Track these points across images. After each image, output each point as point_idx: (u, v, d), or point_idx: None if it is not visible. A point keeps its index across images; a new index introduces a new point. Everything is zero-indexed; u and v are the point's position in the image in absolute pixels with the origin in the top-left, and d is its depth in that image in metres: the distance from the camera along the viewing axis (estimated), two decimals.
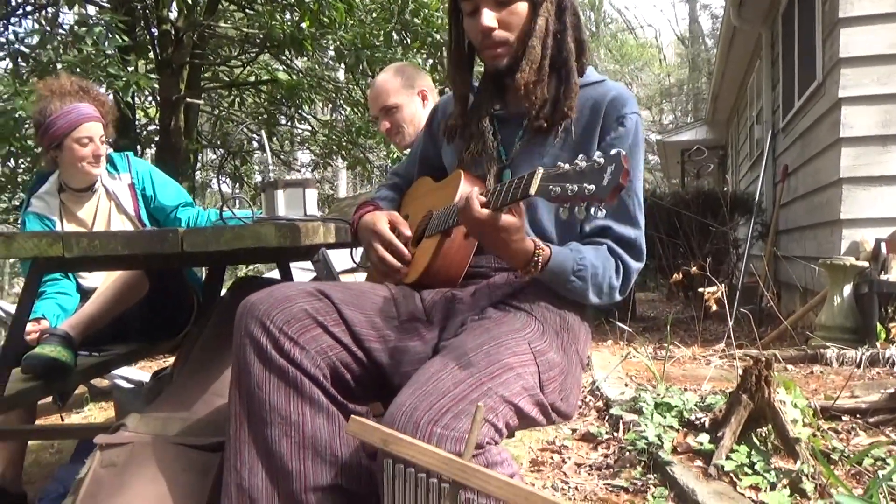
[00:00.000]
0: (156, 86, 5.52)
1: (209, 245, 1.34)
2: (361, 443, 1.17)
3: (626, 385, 3.20)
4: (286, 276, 2.02)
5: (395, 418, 1.00)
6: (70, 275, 2.41)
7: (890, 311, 4.00)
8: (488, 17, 1.32)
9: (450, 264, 1.33)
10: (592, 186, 0.99)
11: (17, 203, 7.42)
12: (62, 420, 3.06)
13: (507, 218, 1.13)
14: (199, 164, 9.78)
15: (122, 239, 1.33)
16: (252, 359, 1.16)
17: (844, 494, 1.57)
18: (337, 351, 1.21)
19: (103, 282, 2.20)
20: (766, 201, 6.78)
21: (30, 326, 2.09)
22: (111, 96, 2.37)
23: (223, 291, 2.20)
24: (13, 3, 7.09)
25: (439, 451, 0.87)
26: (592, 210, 0.99)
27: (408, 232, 1.42)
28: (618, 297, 1.32)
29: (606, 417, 2.75)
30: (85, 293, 2.42)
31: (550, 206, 1.34)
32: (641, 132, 1.39)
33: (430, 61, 6.80)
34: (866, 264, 4.14)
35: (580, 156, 1.02)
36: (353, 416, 0.94)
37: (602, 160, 1.00)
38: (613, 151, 0.98)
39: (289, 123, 9.10)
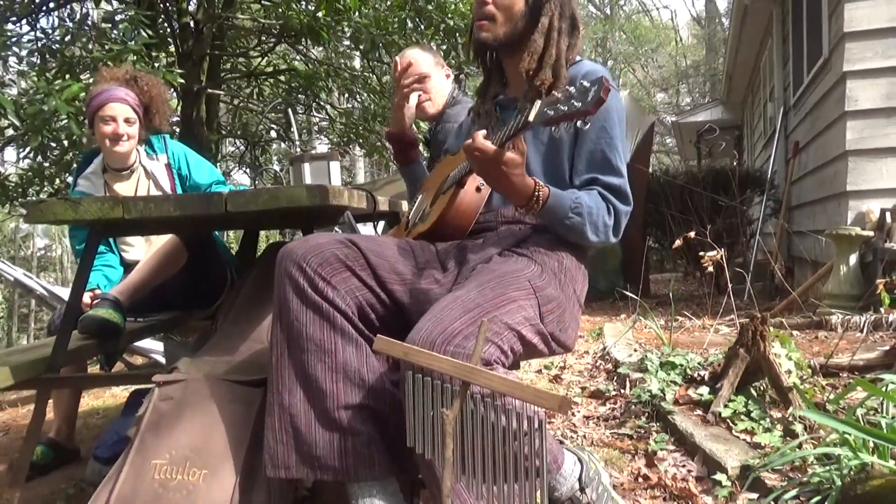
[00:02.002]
0: (181, 80, 5.71)
1: (249, 205, 1.52)
2: (386, 371, 1.36)
3: (635, 350, 3.36)
4: None
5: (415, 341, 1.18)
6: (115, 248, 2.61)
7: (894, 277, 4.10)
8: None
9: (462, 214, 1.52)
10: (579, 103, 1.20)
11: (46, 196, 7.65)
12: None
13: (509, 154, 1.32)
14: (219, 156, 10.00)
15: (175, 201, 1.52)
16: (291, 296, 1.35)
17: (808, 410, 1.72)
18: (363, 292, 1.40)
19: (146, 253, 2.40)
20: (779, 178, 6.87)
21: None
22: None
23: (256, 256, 2.39)
24: (37, 0, 7.29)
25: (450, 359, 1.04)
26: (579, 124, 1.20)
27: None
28: (613, 237, 1.50)
29: (615, 377, 2.91)
30: (127, 266, 2.62)
31: (543, 161, 1.54)
32: (616, 97, 1.56)
33: (444, 46, 6.93)
34: (872, 234, 4.25)
35: (570, 85, 1.24)
36: (378, 335, 1.12)
37: (587, 83, 1.21)
38: (596, 75, 1.19)
39: (306, 113, 9.29)
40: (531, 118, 1.25)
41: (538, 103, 1.26)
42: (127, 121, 2.51)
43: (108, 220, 1.54)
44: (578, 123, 1.20)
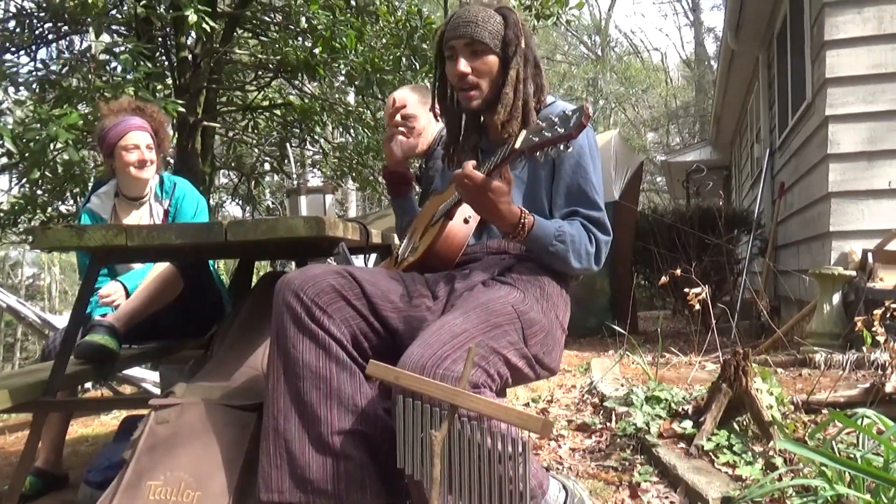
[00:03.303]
0: (182, 110, 5.79)
1: (248, 234, 1.58)
2: (379, 398, 1.41)
3: (622, 385, 3.40)
4: None
5: (406, 365, 1.24)
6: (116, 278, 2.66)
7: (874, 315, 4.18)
8: (463, 64, 1.64)
9: (450, 245, 1.59)
10: (562, 129, 1.30)
11: (37, 224, 7.65)
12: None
13: (496, 182, 1.42)
14: (212, 187, 10.06)
15: (176, 229, 1.58)
16: (288, 324, 1.41)
17: (786, 440, 1.77)
18: (357, 321, 1.46)
19: (143, 281, 2.45)
20: (766, 218, 6.99)
21: (108, 289, 2.39)
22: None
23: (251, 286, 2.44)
24: (36, 32, 7.40)
25: (438, 383, 1.10)
26: (562, 147, 1.31)
27: None
28: (595, 265, 1.59)
29: (601, 411, 2.95)
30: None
31: (523, 196, 1.63)
32: (589, 134, 1.66)
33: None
34: (854, 273, 4.34)
35: (553, 113, 1.35)
36: (371, 360, 1.17)
37: (570, 111, 1.31)
38: (580, 104, 1.31)
39: (300, 146, 9.39)
40: (518, 145, 1.36)
41: (524, 132, 1.36)
42: (149, 147, 2.60)
43: (111, 247, 1.59)
44: (562, 147, 1.31)
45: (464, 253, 1.66)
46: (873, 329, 3.70)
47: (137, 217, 2.67)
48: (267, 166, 10.30)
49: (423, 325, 1.47)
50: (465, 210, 1.61)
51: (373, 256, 2.58)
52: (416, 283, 1.60)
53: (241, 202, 10.58)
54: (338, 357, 1.41)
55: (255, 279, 2.64)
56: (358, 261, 2.88)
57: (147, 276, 2.46)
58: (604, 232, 1.62)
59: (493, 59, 1.65)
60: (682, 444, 2.36)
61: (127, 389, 4.31)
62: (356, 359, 1.44)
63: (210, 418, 1.51)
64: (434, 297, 1.57)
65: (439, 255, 1.61)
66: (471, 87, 1.66)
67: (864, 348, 4.06)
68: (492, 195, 1.43)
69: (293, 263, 2.20)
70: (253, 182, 10.27)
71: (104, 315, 2.35)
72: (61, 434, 2.57)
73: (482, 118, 1.77)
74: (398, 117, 2.68)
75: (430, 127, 2.69)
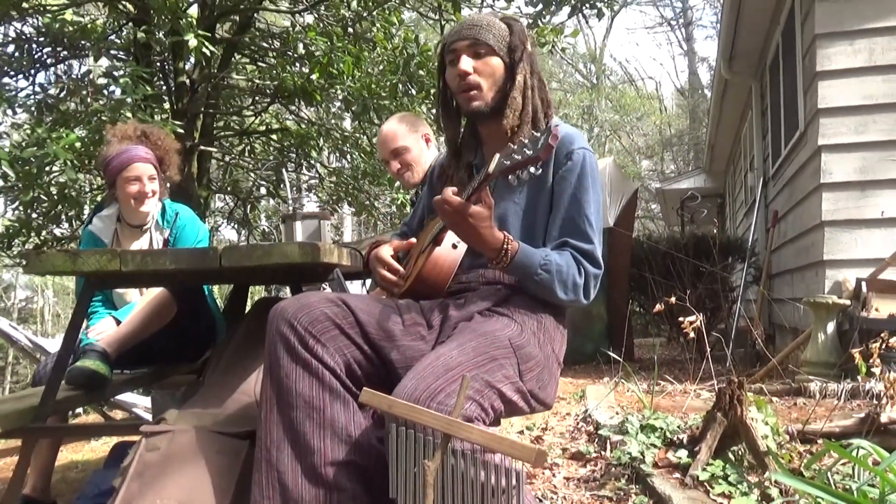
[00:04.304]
0: (180, 131, 5.81)
1: (243, 261, 1.58)
2: (372, 427, 1.39)
3: (617, 413, 3.39)
4: None
5: (399, 398, 1.23)
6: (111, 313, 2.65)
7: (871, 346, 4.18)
8: (466, 63, 1.61)
9: (439, 271, 1.58)
10: (531, 151, 1.31)
11: (31, 247, 7.63)
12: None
13: (475, 207, 1.42)
14: (208, 211, 10.06)
15: (171, 255, 1.57)
16: (281, 353, 1.40)
17: (782, 474, 1.76)
18: (351, 350, 1.45)
19: (135, 306, 2.44)
20: (760, 246, 7.02)
21: (102, 326, 2.40)
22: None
23: (245, 312, 2.43)
24: (35, 56, 7.44)
25: (431, 412, 1.09)
26: (532, 169, 1.33)
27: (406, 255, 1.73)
28: (583, 298, 1.56)
29: (596, 439, 2.93)
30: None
31: (521, 226, 1.62)
32: (590, 162, 1.64)
33: (435, 110, 7.10)
34: (848, 302, 4.34)
35: (525, 136, 1.36)
36: (364, 388, 1.16)
37: (538, 133, 1.32)
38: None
39: (297, 171, 9.41)
40: (491, 170, 1.37)
41: (497, 157, 1.37)
42: (151, 178, 2.59)
43: (105, 272, 1.59)
44: (532, 169, 1.33)
45: (459, 282, 1.64)
46: (871, 361, 3.71)
47: (138, 245, 2.67)
48: (263, 190, 10.32)
49: (417, 355, 1.46)
50: (452, 236, 1.60)
51: (368, 281, 2.57)
52: (412, 310, 1.58)
53: (236, 226, 10.58)
54: (331, 386, 1.40)
55: (249, 303, 2.63)
56: (354, 286, 2.88)
57: (141, 300, 2.45)
58: (594, 265, 1.59)
59: (496, 62, 1.62)
60: (677, 474, 2.35)
61: (119, 414, 4.28)
62: (350, 388, 1.43)
63: (201, 446, 1.50)
64: (429, 325, 1.56)
65: (428, 282, 1.60)
66: (471, 87, 1.61)
67: (858, 378, 4.06)
68: (472, 220, 1.42)
69: (288, 288, 2.20)
70: (249, 206, 10.28)
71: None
72: (51, 460, 2.54)
73: (479, 131, 1.73)
74: (393, 159, 2.72)
75: (423, 155, 2.71)
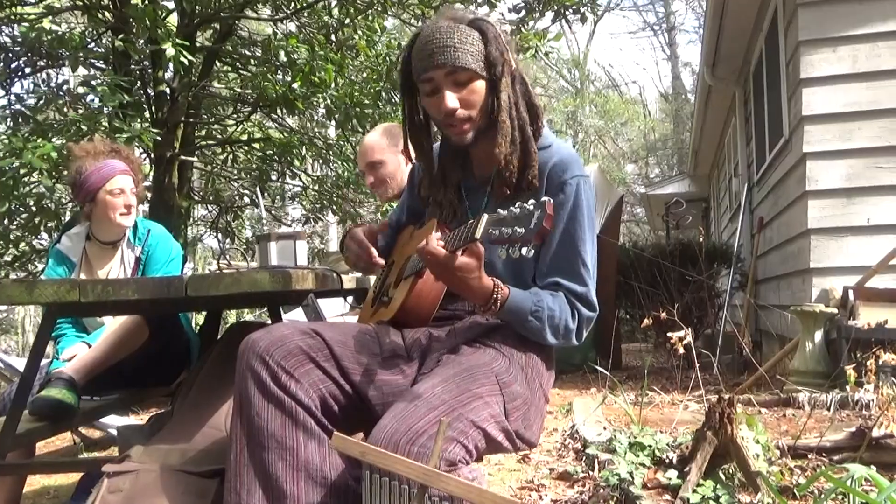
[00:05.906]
0: (158, 139, 5.71)
1: (210, 289, 1.50)
2: (349, 466, 1.31)
3: (605, 428, 3.32)
4: (276, 320, 2.17)
5: (379, 440, 1.15)
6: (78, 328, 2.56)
7: (859, 355, 4.15)
8: (451, 99, 1.44)
9: (422, 303, 1.50)
10: (522, 230, 1.15)
11: (9, 259, 7.50)
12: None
13: (462, 259, 1.28)
14: (190, 220, 9.93)
15: (133, 284, 1.49)
16: (253, 390, 1.31)
17: (775, 497, 1.70)
18: (327, 384, 1.37)
19: (105, 329, 2.34)
20: (745, 252, 7.00)
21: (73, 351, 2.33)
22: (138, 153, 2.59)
23: (218, 336, 2.35)
24: (12, 66, 7.30)
25: (408, 460, 1.01)
26: (524, 251, 1.16)
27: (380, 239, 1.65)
28: (575, 341, 1.48)
29: (584, 458, 2.87)
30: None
31: (505, 260, 1.51)
32: (586, 194, 1.51)
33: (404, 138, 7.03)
34: (836, 311, 4.31)
35: (516, 203, 1.19)
36: (335, 432, 1.08)
37: (531, 206, 1.16)
38: (542, 199, 1.16)
39: (280, 179, 9.31)
40: (477, 235, 1.21)
41: (485, 218, 1.21)
42: (132, 191, 2.53)
43: (64, 304, 1.51)
44: (523, 250, 1.16)
45: (445, 309, 1.54)
46: (866, 375, 3.68)
47: (108, 264, 2.57)
48: (246, 199, 10.21)
49: (395, 391, 1.38)
50: None
51: (350, 297, 2.50)
52: (392, 340, 1.50)
53: (218, 235, 10.46)
54: (305, 425, 1.31)
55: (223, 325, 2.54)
56: (332, 304, 2.80)
57: (111, 322, 2.36)
58: (589, 308, 1.49)
59: (480, 86, 1.44)
60: (667, 496, 2.29)
61: (95, 434, 4.16)
62: (325, 425, 1.34)
63: (166, 486, 1.42)
64: (409, 357, 1.48)
65: (412, 314, 1.52)
66: (462, 121, 1.45)
67: (847, 387, 4.03)
68: (459, 273, 1.29)
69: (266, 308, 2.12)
70: (232, 215, 10.16)
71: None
72: (17, 492, 2.42)
73: (467, 151, 1.58)
74: (369, 172, 2.66)
75: (399, 171, 2.66)
